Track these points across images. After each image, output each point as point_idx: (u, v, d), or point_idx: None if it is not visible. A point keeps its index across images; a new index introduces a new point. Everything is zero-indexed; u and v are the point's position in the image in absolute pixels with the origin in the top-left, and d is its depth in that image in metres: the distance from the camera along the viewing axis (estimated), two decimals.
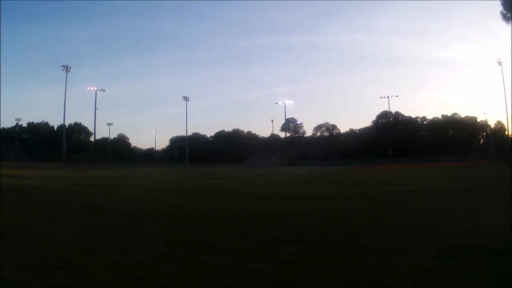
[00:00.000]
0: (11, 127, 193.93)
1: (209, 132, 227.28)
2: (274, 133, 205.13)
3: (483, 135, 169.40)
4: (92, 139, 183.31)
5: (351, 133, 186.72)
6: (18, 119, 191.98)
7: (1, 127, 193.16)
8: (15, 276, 7.43)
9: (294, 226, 12.89)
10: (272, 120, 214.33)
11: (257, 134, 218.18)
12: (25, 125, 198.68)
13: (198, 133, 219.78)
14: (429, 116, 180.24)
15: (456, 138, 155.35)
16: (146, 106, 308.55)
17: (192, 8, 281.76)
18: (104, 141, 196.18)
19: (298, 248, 9.52)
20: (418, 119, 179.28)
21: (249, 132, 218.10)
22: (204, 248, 9.77)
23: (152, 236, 11.57)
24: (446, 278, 7.06)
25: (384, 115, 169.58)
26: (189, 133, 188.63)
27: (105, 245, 10.15)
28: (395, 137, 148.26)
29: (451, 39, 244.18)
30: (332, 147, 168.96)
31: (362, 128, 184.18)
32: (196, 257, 8.89)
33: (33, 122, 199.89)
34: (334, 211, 16.34)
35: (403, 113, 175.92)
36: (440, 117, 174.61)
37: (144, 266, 8.13)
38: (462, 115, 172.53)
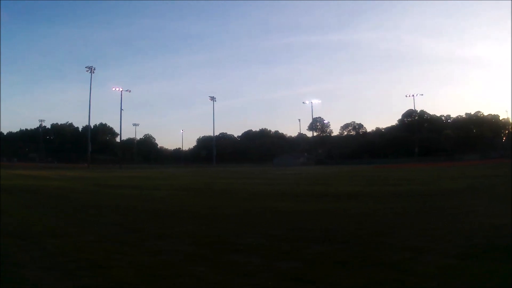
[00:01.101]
0: (35, 128, 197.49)
1: (236, 132, 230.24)
2: (301, 132, 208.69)
3: (506, 133, 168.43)
4: (118, 139, 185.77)
5: (377, 131, 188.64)
6: (41, 120, 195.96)
7: (24, 128, 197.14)
8: (40, 277, 7.52)
9: (321, 225, 13.02)
10: (299, 120, 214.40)
11: (284, 133, 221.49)
12: (48, 126, 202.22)
13: (226, 133, 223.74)
14: (453, 115, 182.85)
15: (479, 136, 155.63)
16: (172, 106, 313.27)
17: (217, 8, 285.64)
18: (130, 142, 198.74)
19: (325, 247, 9.61)
20: (443, 118, 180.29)
21: (276, 132, 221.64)
22: (231, 247, 9.81)
23: (179, 236, 11.62)
24: (469, 277, 7.11)
25: (410, 113, 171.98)
26: (216, 133, 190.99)
27: (132, 246, 10.25)
28: (420, 135, 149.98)
29: (474, 37, 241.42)
30: (358, 146, 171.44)
31: (388, 126, 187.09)
32: (223, 257, 8.93)
33: (57, 123, 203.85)
34: (361, 210, 16.47)
35: (428, 112, 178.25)
36: (464, 115, 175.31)
37: (171, 266, 8.16)
38: (485, 113, 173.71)
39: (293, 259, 8.56)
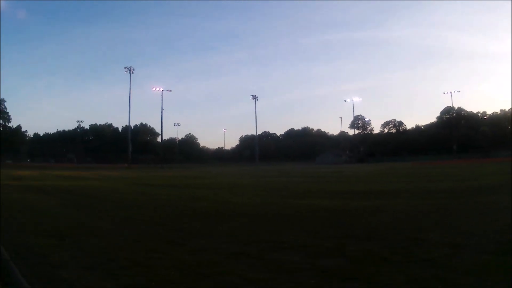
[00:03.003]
0: (73, 129, 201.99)
1: (278, 130, 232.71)
2: (343, 130, 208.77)
3: None
4: (159, 139, 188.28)
5: (417, 129, 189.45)
6: (79, 121, 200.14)
7: (62, 129, 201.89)
8: (79, 277, 7.63)
9: (363, 222, 13.37)
10: (340, 118, 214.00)
11: (326, 131, 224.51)
12: (87, 127, 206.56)
13: (268, 132, 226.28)
14: (489, 111, 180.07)
15: None
16: (214, 105, 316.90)
17: (257, 7, 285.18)
18: (171, 142, 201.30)
19: (367, 244, 9.83)
20: (479, 114, 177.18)
21: (318, 130, 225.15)
22: (274, 245, 9.90)
23: (221, 234, 11.70)
24: (506, 273, 7.29)
25: (448, 110, 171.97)
26: (259, 132, 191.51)
27: (174, 244, 10.37)
28: (458, 132, 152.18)
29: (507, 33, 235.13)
30: (399, 143, 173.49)
31: (427, 124, 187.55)
32: (266, 255, 9.01)
33: (95, 124, 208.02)
34: (401, 207, 16.84)
35: (465, 108, 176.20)
36: (499, 112, 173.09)
37: (213, 265, 8.21)
38: None
39: (336, 257, 8.71)
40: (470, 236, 10.27)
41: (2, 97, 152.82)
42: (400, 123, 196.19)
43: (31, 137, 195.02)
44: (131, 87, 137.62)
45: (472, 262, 7.93)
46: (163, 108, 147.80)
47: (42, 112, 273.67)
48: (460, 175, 40.51)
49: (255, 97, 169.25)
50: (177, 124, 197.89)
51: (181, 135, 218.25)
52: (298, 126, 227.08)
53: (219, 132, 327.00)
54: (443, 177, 38.02)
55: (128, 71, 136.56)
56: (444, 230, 11.27)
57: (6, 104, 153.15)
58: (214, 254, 9.13)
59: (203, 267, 8.06)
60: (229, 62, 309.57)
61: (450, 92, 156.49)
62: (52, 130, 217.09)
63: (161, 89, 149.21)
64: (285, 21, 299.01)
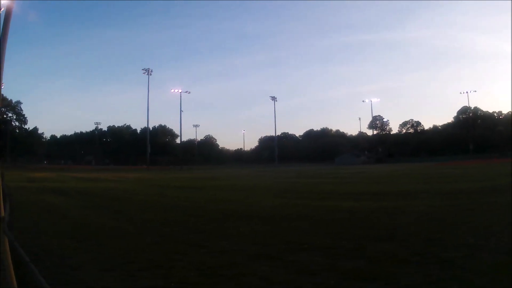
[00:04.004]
0: (90, 131, 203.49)
1: (298, 131, 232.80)
2: (361, 131, 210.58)
3: None
4: (178, 141, 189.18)
5: (435, 129, 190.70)
6: (97, 123, 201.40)
7: (79, 131, 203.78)
8: (98, 278, 7.70)
9: (383, 223, 13.61)
10: (359, 118, 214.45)
11: (345, 132, 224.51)
12: (105, 129, 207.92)
13: (287, 133, 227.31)
14: (505, 111, 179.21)
15: None
16: (233, 107, 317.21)
17: (275, 8, 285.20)
18: (190, 143, 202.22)
19: (386, 245, 9.99)
20: (495, 114, 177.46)
21: (337, 131, 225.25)
22: (295, 246, 9.95)
23: (242, 236, 11.76)
24: None
25: (464, 110, 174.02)
26: (278, 133, 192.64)
27: (194, 246, 10.42)
28: (474, 132, 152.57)
29: None
30: (417, 143, 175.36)
31: (444, 124, 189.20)
32: (287, 256, 9.04)
33: (114, 126, 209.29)
34: (420, 208, 16.99)
35: (481, 108, 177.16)
36: None
37: (235, 266, 8.24)
38: None
39: (356, 258, 8.82)
40: (487, 236, 10.36)
41: (18, 99, 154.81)
42: (418, 123, 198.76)
43: (48, 139, 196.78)
44: (149, 89, 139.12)
45: (489, 263, 8.04)
46: (182, 109, 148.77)
47: (60, 114, 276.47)
48: (477, 175, 40.66)
49: (274, 98, 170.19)
50: (196, 126, 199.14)
51: (200, 137, 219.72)
52: (317, 127, 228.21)
53: (238, 133, 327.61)
54: (460, 178, 38.67)
55: (146, 73, 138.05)
56: (462, 231, 11.42)
57: (22, 106, 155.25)
58: (234, 256, 9.16)
59: (224, 268, 8.08)
60: (247, 63, 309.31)
61: (466, 92, 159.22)
62: (69, 132, 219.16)
63: (180, 91, 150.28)
64: (303, 22, 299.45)
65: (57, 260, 8.87)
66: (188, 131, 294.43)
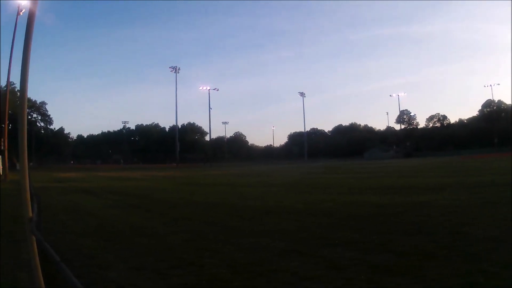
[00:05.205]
0: (118, 130, 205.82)
1: (327, 127, 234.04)
2: (389, 125, 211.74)
3: None
4: (207, 138, 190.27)
5: (460, 123, 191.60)
6: (125, 122, 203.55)
7: (107, 131, 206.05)
8: (127, 278, 7.74)
9: (411, 217, 13.72)
10: (387, 113, 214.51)
11: (373, 127, 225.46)
12: (133, 127, 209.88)
13: (316, 128, 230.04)
14: None
15: None
16: (262, 103, 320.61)
17: (303, 4, 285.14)
18: (220, 140, 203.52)
19: (415, 239, 10.18)
20: None
21: (365, 126, 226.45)
22: (325, 242, 10.03)
23: (272, 232, 11.79)
24: None
25: (488, 104, 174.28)
26: (307, 129, 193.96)
27: (225, 243, 10.46)
28: (499, 126, 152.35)
29: None
30: (443, 137, 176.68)
31: (469, 117, 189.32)
32: (317, 252, 9.12)
33: (142, 124, 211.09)
34: (447, 202, 17.20)
35: (505, 102, 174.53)
36: None
37: (265, 262, 8.28)
38: None
39: (384, 252, 8.96)
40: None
41: (45, 100, 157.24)
42: (444, 117, 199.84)
43: (75, 139, 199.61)
44: (177, 87, 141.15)
45: None
46: (210, 106, 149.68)
47: (87, 114, 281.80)
48: (501, 168, 40.42)
49: (302, 94, 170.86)
50: (225, 123, 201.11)
51: (229, 134, 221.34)
52: (345, 122, 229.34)
53: (267, 130, 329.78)
54: (485, 171, 39.03)
55: (174, 71, 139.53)
56: (487, 224, 11.54)
57: (49, 107, 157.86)
58: (265, 252, 9.22)
59: (255, 265, 8.13)
60: (276, 59, 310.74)
61: (490, 85, 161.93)
62: (96, 131, 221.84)
63: (208, 88, 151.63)
64: (330, 17, 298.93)
65: (85, 260, 8.95)
66: (217, 128, 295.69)
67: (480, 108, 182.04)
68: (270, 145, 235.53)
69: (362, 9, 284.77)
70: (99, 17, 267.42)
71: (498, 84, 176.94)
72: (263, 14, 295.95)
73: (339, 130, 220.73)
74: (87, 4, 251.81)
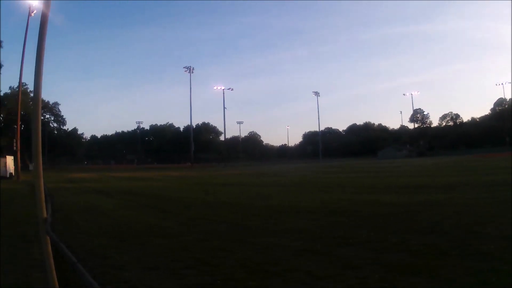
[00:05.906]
0: (132, 130, 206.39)
1: (341, 126, 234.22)
2: (403, 124, 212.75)
3: None
4: (221, 138, 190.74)
5: (473, 121, 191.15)
6: (139, 122, 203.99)
7: (121, 131, 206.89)
8: (142, 278, 7.75)
9: (425, 216, 13.81)
10: (400, 112, 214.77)
11: (387, 126, 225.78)
12: (147, 127, 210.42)
13: (331, 128, 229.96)
14: None
15: None
16: (276, 102, 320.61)
17: (317, 3, 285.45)
18: (234, 140, 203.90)
19: (429, 238, 10.24)
20: None
21: (379, 125, 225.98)
22: (340, 241, 10.04)
23: (287, 231, 11.82)
24: None
25: (500, 102, 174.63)
26: (322, 128, 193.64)
27: (240, 242, 10.48)
28: (511, 124, 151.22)
29: None
30: (456, 136, 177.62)
31: (481, 116, 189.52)
32: (333, 251, 9.15)
33: (156, 125, 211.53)
34: (461, 201, 17.50)
35: None
36: None
37: (281, 262, 8.27)
38: None
39: (399, 251, 9.01)
40: None
41: (58, 101, 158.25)
42: (457, 115, 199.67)
43: (88, 140, 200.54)
44: (191, 87, 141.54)
45: None
46: (225, 106, 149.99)
47: (100, 115, 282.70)
48: None
49: (317, 93, 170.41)
50: (240, 122, 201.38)
51: (244, 133, 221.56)
52: (360, 121, 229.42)
53: (282, 129, 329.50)
54: (497, 170, 39.06)
55: (188, 71, 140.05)
56: (500, 223, 11.61)
57: (62, 108, 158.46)
58: (281, 251, 9.23)
59: (270, 264, 8.12)
60: (289, 59, 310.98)
61: (502, 84, 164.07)
62: (110, 132, 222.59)
63: (223, 88, 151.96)
64: (343, 17, 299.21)
65: (99, 260, 8.98)
66: (231, 128, 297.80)
67: (492, 106, 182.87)
68: (285, 144, 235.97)
69: (375, 8, 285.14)
70: (113, 17, 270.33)
71: (510, 82, 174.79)
72: (277, 13, 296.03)
73: (353, 129, 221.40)
74: (99, 4, 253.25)
